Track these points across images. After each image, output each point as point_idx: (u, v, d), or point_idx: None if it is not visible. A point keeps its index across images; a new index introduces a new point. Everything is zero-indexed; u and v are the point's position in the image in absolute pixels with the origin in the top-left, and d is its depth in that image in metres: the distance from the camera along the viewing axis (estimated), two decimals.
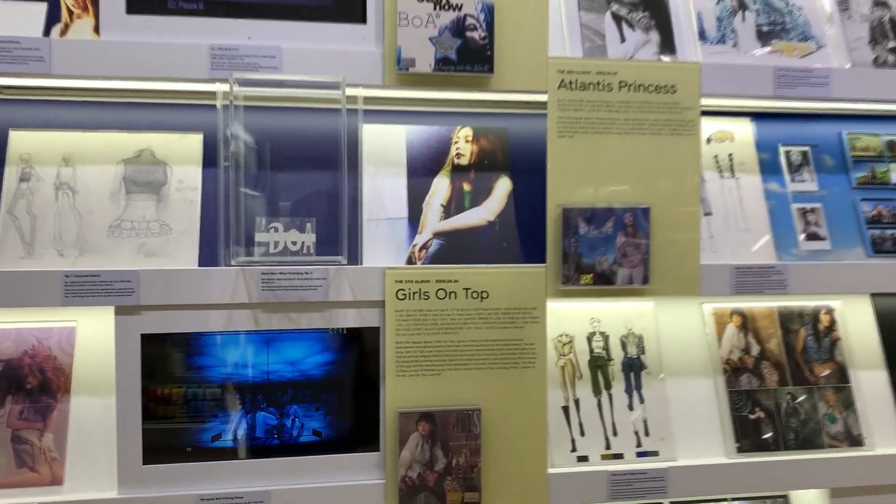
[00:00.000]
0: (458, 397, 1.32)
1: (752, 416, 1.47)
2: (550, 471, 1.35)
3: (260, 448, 1.30)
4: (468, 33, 1.31)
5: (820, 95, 1.47)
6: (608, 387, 1.45)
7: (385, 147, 1.45)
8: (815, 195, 1.59)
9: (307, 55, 1.29)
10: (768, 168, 1.59)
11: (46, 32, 1.33)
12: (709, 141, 1.58)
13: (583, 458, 1.40)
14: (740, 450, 1.45)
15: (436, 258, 1.41)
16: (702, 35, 1.53)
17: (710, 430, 1.47)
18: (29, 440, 1.26)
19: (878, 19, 1.60)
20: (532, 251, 1.43)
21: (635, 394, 1.45)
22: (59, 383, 1.29)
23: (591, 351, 1.47)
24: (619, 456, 1.41)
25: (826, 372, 1.53)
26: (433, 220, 1.44)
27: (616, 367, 1.46)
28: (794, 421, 1.48)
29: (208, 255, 1.34)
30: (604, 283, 1.35)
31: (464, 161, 1.48)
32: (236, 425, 1.29)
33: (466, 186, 1.47)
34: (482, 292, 1.33)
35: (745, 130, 1.60)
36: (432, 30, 1.30)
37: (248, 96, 1.29)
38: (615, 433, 1.43)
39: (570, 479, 1.35)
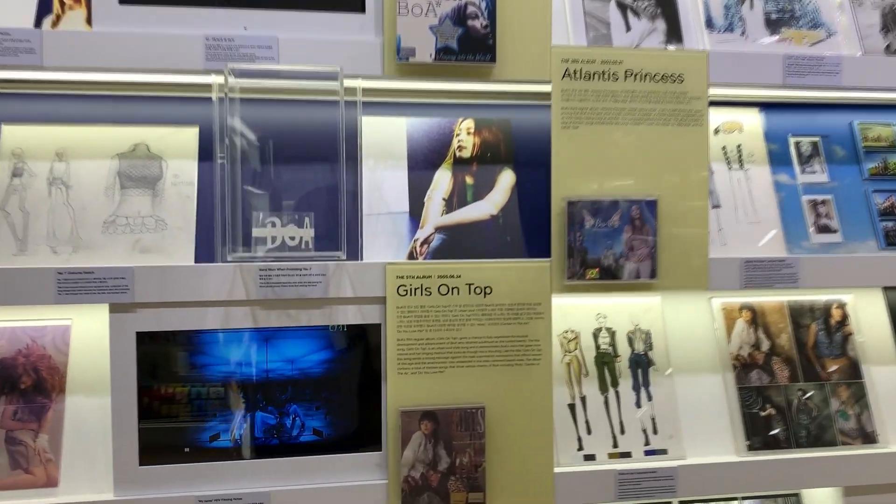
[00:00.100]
0: (461, 395, 1.30)
1: (762, 414, 1.45)
2: (556, 470, 1.33)
3: (259, 448, 1.28)
4: (469, 22, 1.28)
5: (830, 84, 1.45)
6: (615, 384, 1.43)
7: (385, 140, 1.43)
8: (826, 187, 1.56)
9: (304, 45, 1.27)
10: (778, 159, 1.56)
11: (38, 24, 1.31)
12: (717, 132, 1.55)
13: (590, 457, 1.38)
14: (751, 448, 1.42)
15: (438, 253, 1.39)
16: (709, 23, 1.50)
17: (720, 427, 1.44)
18: (23, 441, 1.25)
19: (889, 6, 1.57)
20: (536, 245, 1.41)
21: (643, 391, 1.43)
22: (53, 383, 1.28)
23: (598, 347, 1.44)
24: (626, 454, 1.39)
25: (838, 367, 1.50)
26: (435, 215, 1.41)
27: (623, 364, 1.44)
28: (805, 418, 1.46)
29: (205, 252, 1.32)
30: (610, 277, 1.33)
31: (466, 154, 1.45)
32: (235, 425, 1.27)
33: (469, 180, 1.44)
34: (485, 288, 1.31)
35: (753, 121, 1.58)
36: (433, 18, 1.27)
37: (245, 88, 1.27)
38: (622, 431, 1.40)
39: (576, 479, 1.34)
